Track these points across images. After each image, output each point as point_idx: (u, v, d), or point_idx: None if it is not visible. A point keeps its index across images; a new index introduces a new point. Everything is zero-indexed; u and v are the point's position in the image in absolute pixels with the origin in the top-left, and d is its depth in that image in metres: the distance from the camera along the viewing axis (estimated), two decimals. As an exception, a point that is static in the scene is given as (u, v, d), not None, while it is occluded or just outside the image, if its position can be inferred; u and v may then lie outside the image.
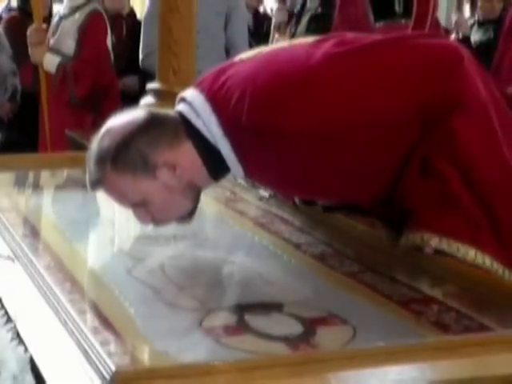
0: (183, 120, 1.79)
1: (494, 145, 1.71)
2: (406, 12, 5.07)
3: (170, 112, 1.83)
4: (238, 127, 1.71)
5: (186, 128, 1.77)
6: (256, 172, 1.81)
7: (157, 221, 1.80)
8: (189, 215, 1.81)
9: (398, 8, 5.11)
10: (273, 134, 1.67)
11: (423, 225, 1.66)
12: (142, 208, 1.77)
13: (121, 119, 1.80)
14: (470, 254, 1.62)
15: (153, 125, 1.78)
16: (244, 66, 1.81)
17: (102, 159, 1.75)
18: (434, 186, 1.67)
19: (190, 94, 1.82)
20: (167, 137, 1.77)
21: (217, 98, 1.76)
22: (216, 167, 1.78)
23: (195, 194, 1.80)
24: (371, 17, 5.13)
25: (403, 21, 5.00)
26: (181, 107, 1.82)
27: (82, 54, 4.69)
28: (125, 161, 1.74)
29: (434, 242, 1.64)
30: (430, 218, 1.66)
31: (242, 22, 5.06)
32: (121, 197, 1.79)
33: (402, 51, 1.75)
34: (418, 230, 1.66)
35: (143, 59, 4.90)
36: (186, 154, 1.77)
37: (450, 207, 1.66)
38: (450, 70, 1.70)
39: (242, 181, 1.98)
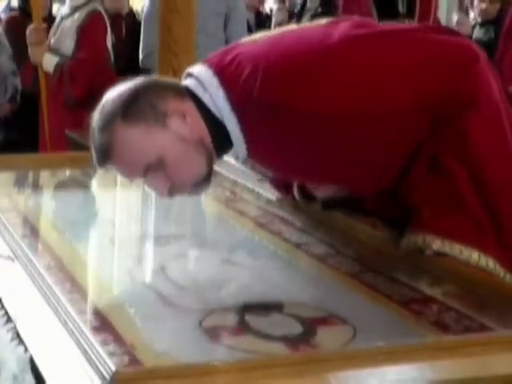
0: (190, 94, 1.75)
1: (505, 147, 1.70)
2: (410, 12, 5.09)
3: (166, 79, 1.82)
4: (247, 102, 1.69)
5: (193, 102, 1.74)
6: (259, 151, 1.77)
7: (174, 186, 1.71)
8: (205, 181, 1.75)
9: (401, 8, 5.13)
10: (285, 111, 1.64)
11: (425, 226, 1.65)
12: (157, 173, 1.68)
13: (120, 86, 1.76)
14: (474, 256, 1.61)
15: (157, 83, 1.77)
16: (254, 45, 1.80)
17: (111, 118, 1.69)
18: (441, 184, 1.66)
19: (197, 69, 1.80)
20: (173, 90, 1.74)
21: (225, 72, 1.74)
22: (220, 143, 1.75)
23: (208, 155, 1.73)
24: (375, 16, 5.15)
25: (406, 21, 5.02)
26: (187, 82, 1.79)
27: (79, 53, 4.69)
28: (135, 112, 1.68)
29: (436, 244, 1.63)
30: (433, 218, 1.65)
31: (242, 21, 5.07)
32: (134, 159, 1.68)
33: (421, 44, 1.73)
34: (420, 231, 1.65)
35: (143, 59, 4.92)
36: (190, 109, 1.73)
37: (454, 207, 1.65)
38: (466, 69, 1.69)
39: (241, 163, 1.92)
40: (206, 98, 1.74)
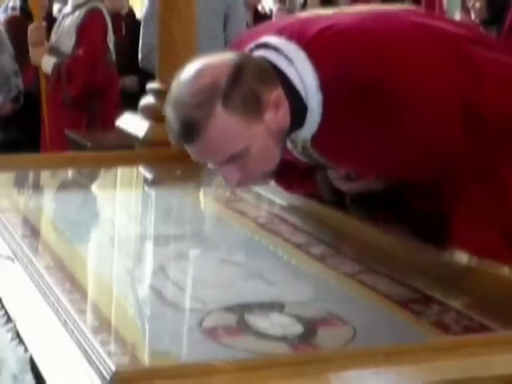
0: (274, 69, 1.63)
1: None
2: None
3: (249, 54, 1.68)
4: (338, 81, 1.59)
5: (279, 79, 1.62)
6: (329, 136, 1.66)
7: (244, 178, 1.62)
8: (271, 173, 1.67)
9: None
10: (393, 96, 1.57)
11: (456, 241, 1.61)
12: (235, 163, 1.59)
13: (205, 60, 1.60)
14: (504, 271, 1.56)
15: (249, 63, 1.61)
16: (338, 20, 1.70)
17: (210, 97, 1.53)
18: (490, 191, 1.62)
19: (275, 40, 1.66)
20: (267, 75, 1.60)
21: (312, 47, 1.63)
22: (294, 124, 1.64)
23: (283, 145, 1.65)
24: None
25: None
26: (266, 54, 1.65)
27: (77, 52, 4.70)
28: (237, 99, 1.54)
29: (466, 260, 1.59)
30: (467, 232, 1.61)
31: (241, 21, 5.07)
32: (222, 146, 1.56)
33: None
34: (451, 245, 1.61)
35: (142, 59, 4.92)
36: (282, 96, 1.61)
37: (494, 217, 1.62)
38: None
39: (297, 149, 1.78)
40: (291, 73, 1.63)
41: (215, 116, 1.53)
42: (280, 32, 1.69)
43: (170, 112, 1.57)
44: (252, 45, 1.71)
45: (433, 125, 1.62)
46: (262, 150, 1.60)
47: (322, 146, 1.73)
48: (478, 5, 5.42)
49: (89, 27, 4.78)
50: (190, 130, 1.54)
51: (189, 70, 1.59)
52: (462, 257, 1.60)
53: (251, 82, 1.57)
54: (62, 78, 4.67)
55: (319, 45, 1.64)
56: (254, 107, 1.57)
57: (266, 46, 1.68)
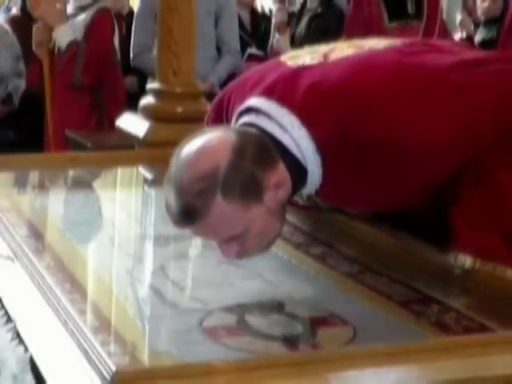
0: (268, 135, 1.61)
1: None
2: (418, 13, 5.10)
3: (247, 129, 1.64)
4: (334, 141, 1.58)
5: (274, 145, 1.60)
6: (332, 189, 1.67)
7: (243, 252, 1.61)
8: (270, 246, 1.65)
9: (410, 9, 5.14)
10: (393, 151, 1.56)
11: (459, 243, 1.60)
12: (234, 241, 1.58)
13: (204, 140, 1.57)
14: (508, 273, 1.55)
15: (249, 143, 1.57)
16: (323, 72, 1.68)
17: (209, 188, 1.51)
18: (488, 193, 1.62)
19: (265, 105, 1.65)
20: (267, 155, 1.58)
21: (304, 109, 1.62)
22: (295, 187, 1.64)
23: (284, 216, 1.64)
24: (385, 17, 5.16)
25: (416, 22, 5.04)
26: (258, 120, 1.64)
27: (91, 45, 4.71)
28: (236, 188, 1.53)
29: (469, 262, 1.58)
30: (468, 235, 1.61)
31: (232, 19, 5.07)
32: (221, 230, 1.56)
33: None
34: (453, 248, 1.60)
35: (133, 58, 4.94)
36: (282, 173, 1.60)
37: (494, 218, 1.61)
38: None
39: (302, 200, 1.80)
40: (286, 141, 1.61)
41: (215, 205, 1.52)
42: (268, 93, 1.67)
43: (169, 194, 1.56)
44: (243, 107, 1.69)
45: (432, 169, 1.62)
46: (262, 230, 1.59)
47: (326, 196, 1.74)
48: (485, 4, 5.42)
49: (98, 26, 4.80)
50: (190, 215, 1.53)
51: (189, 150, 1.57)
52: (462, 258, 1.60)
53: (251, 167, 1.55)
54: (77, 62, 4.68)
55: (311, 106, 1.62)
56: (253, 192, 1.55)
57: (256, 110, 1.66)
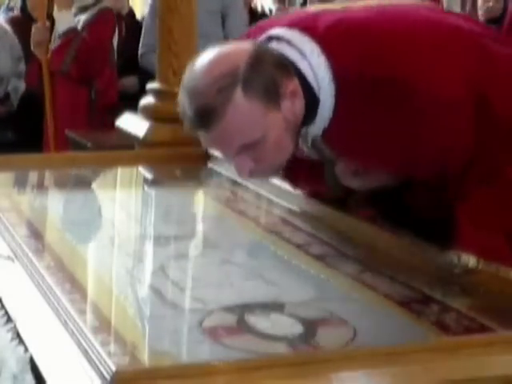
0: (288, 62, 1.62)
1: None
2: None
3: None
4: (351, 74, 1.58)
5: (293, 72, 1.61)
6: (340, 129, 1.65)
7: (257, 169, 1.61)
8: (282, 166, 1.66)
9: None
10: (410, 94, 1.55)
11: (462, 243, 1.59)
12: (248, 153, 1.57)
13: (220, 49, 1.59)
14: (505, 271, 1.55)
15: (267, 52, 1.60)
16: (352, 13, 1.68)
17: (229, 83, 1.51)
18: (496, 192, 1.61)
19: (287, 33, 1.65)
20: (284, 65, 1.59)
21: (325, 40, 1.62)
22: (306, 118, 1.63)
23: (297, 138, 1.63)
24: None
25: None
26: (279, 46, 1.64)
27: (88, 39, 4.72)
28: (258, 85, 1.52)
29: (472, 262, 1.57)
30: (472, 234, 1.60)
31: (240, 20, 5.07)
32: (238, 134, 1.54)
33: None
34: (457, 247, 1.60)
35: (140, 58, 4.98)
36: (299, 89, 1.60)
37: (500, 218, 1.61)
38: None
39: (307, 145, 1.75)
40: (304, 67, 1.61)
41: (234, 101, 1.51)
42: (292, 25, 1.68)
43: (184, 99, 1.55)
44: (263, 37, 1.70)
45: (446, 117, 1.60)
46: (277, 140, 1.58)
47: (333, 139, 1.71)
48: (489, 4, 5.42)
49: (99, 24, 4.81)
50: (207, 116, 1.52)
51: (204, 58, 1.58)
52: (465, 257, 1.60)
53: (270, 69, 1.56)
54: (70, 49, 4.68)
55: (333, 37, 1.62)
56: (273, 94, 1.55)
57: (277, 38, 1.66)
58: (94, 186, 2.63)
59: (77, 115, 4.77)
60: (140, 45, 4.99)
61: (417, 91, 1.57)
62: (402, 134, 1.61)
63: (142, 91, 3.31)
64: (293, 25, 1.68)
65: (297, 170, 1.91)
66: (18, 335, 1.39)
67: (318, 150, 1.78)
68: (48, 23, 4.76)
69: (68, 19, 4.72)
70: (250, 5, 7.16)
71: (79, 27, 4.77)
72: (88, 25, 4.78)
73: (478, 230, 1.61)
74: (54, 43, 4.71)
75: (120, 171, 2.67)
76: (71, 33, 4.69)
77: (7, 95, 5.36)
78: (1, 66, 5.31)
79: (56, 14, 4.72)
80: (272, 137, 1.57)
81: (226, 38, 4.96)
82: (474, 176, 1.63)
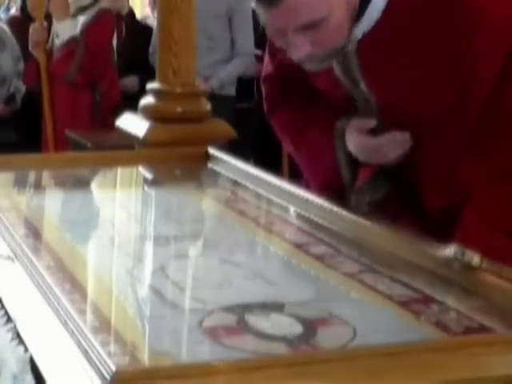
0: None
1: None
2: None
3: None
4: None
5: None
6: (380, 39, 1.67)
7: (313, 52, 1.63)
8: (338, 54, 1.67)
9: None
10: (461, 9, 1.57)
11: (467, 239, 1.60)
12: (307, 34, 1.59)
13: None
14: (505, 271, 1.53)
15: None
16: None
17: None
18: (506, 191, 1.61)
19: None
20: None
21: None
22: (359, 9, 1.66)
23: (351, 27, 1.65)
24: None
25: None
26: None
27: (88, 44, 4.73)
28: None
29: (476, 260, 1.55)
30: (478, 232, 1.61)
31: (246, 22, 5.08)
32: (305, 9, 1.57)
33: None
34: (462, 245, 1.58)
35: (150, 56, 5.04)
36: None
37: (507, 218, 1.61)
38: None
39: (338, 58, 1.75)
40: None
41: None
42: None
43: None
44: None
45: (482, 52, 1.62)
46: (339, 22, 1.61)
47: (369, 50, 1.72)
48: None
49: (98, 25, 4.81)
50: None
51: None
52: (469, 254, 1.59)
53: None
54: (74, 59, 4.69)
55: None
56: None
57: None
58: (93, 185, 2.63)
59: (79, 117, 4.78)
60: (151, 43, 5.05)
61: (472, 8, 1.58)
62: (441, 54, 1.63)
63: (142, 91, 3.32)
64: None
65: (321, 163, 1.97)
66: (18, 335, 1.39)
67: (347, 71, 1.77)
68: (46, 23, 4.77)
69: (69, 28, 4.72)
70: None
71: (78, 29, 4.78)
72: (87, 27, 4.79)
73: (485, 228, 1.60)
74: (52, 44, 4.72)
75: (120, 171, 2.67)
76: (72, 42, 4.70)
77: (11, 96, 5.38)
78: (3, 66, 5.32)
79: (56, 24, 4.72)
80: (336, 16, 1.60)
81: (232, 40, 4.98)
82: (488, 176, 1.63)
